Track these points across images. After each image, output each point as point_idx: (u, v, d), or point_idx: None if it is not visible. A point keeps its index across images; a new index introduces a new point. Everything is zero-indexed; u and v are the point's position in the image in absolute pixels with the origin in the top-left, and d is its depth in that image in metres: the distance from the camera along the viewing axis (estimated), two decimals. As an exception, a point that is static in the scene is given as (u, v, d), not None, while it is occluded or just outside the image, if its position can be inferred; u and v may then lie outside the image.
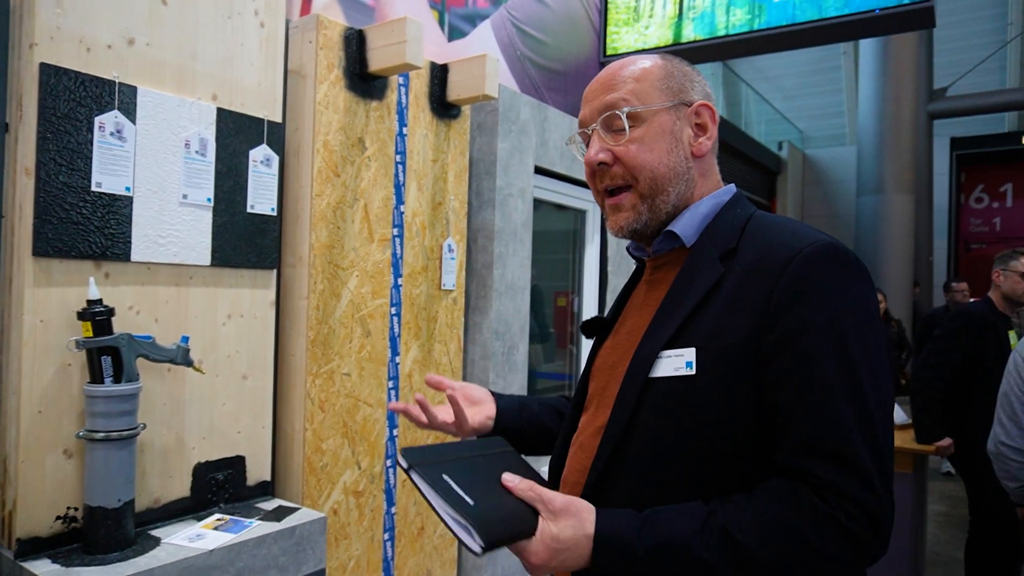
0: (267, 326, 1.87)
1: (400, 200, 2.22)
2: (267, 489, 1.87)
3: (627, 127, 0.90)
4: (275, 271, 1.90)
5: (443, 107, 2.37)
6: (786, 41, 3.60)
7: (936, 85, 11.82)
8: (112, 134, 1.51)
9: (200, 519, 1.66)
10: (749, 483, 0.77)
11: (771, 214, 0.91)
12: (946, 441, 2.97)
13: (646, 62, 0.93)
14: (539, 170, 2.88)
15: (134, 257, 1.56)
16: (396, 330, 2.22)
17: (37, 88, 1.40)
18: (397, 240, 2.21)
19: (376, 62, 2.02)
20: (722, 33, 3.72)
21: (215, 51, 1.72)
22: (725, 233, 0.87)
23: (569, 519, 0.75)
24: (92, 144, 1.48)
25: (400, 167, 2.21)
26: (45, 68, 1.41)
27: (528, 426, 1.12)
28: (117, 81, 1.51)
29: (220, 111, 1.72)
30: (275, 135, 1.86)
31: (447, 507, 0.73)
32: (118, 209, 1.53)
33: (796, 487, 0.73)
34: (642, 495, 0.80)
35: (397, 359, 2.23)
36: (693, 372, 0.79)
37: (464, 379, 2.57)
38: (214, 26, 1.71)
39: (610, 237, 3.55)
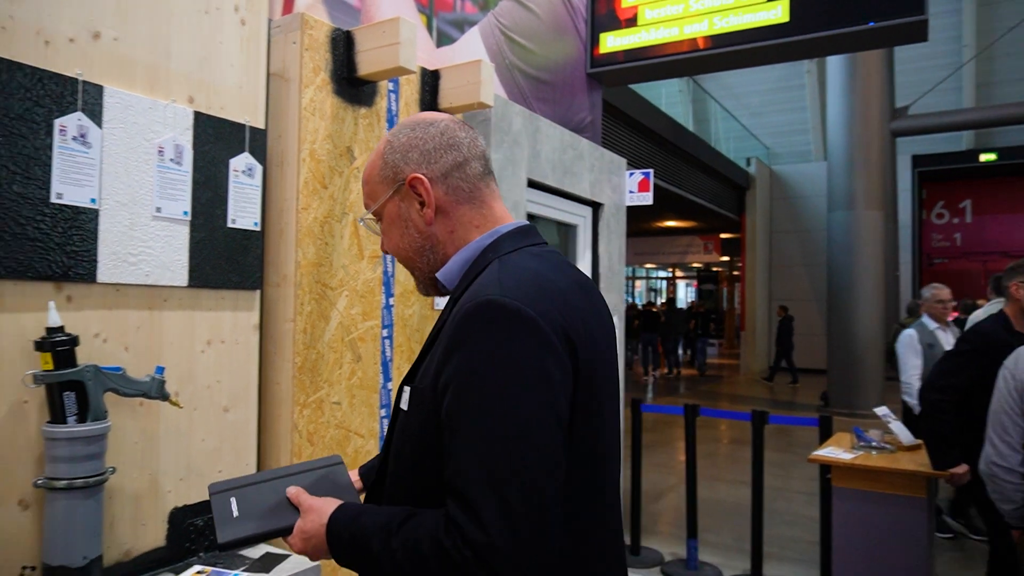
0: (250, 352, 1.70)
1: (391, 214, 2.06)
2: (250, 534, 1.68)
3: (374, 224, 1.04)
4: (258, 292, 1.73)
5: (434, 116, 2.23)
6: (775, 54, 3.55)
7: (897, 104, 12.09)
8: (75, 139, 1.34)
9: (178, 572, 1.47)
10: None
11: (519, 258, 0.93)
12: (961, 468, 2.66)
13: (373, 155, 1.02)
14: (531, 183, 2.76)
15: (100, 278, 1.38)
16: (388, 354, 2.06)
17: (-12, 85, 1.23)
18: (388, 257, 2.05)
19: (366, 66, 1.87)
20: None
21: (191, 49, 1.56)
22: (469, 277, 0.95)
23: (313, 514, 0.91)
24: (52, 150, 1.30)
25: (391, 179, 2.06)
26: (-3, 62, 1.23)
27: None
28: (81, 79, 1.34)
29: (198, 115, 1.56)
30: (257, 142, 1.70)
31: (220, 524, 0.92)
32: (82, 224, 1.35)
33: (439, 515, 0.82)
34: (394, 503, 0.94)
35: (389, 385, 2.06)
36: (406, 408, 0.93)
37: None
38: (190, 22, 1.55)
39: (601, 252, 3.43)
